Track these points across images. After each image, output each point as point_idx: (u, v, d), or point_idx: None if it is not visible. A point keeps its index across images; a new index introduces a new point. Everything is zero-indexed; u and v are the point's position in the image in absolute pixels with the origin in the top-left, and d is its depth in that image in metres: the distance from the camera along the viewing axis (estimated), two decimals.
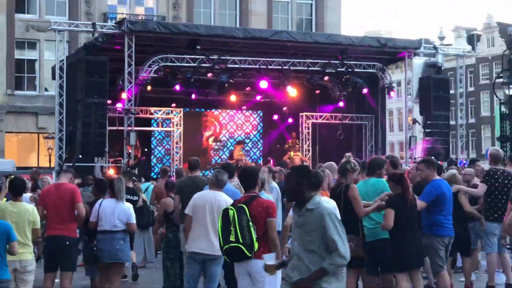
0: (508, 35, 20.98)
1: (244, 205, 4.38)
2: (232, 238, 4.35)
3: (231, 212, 4.40)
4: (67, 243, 6.07)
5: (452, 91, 17.62)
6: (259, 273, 4.26)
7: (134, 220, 6.06)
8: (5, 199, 6.74)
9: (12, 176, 7.89)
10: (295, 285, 3.36)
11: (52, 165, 15.81)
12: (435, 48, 15.74)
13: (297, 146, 15.64)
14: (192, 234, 5.23)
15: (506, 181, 6.46)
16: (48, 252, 6.26)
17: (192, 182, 6.47)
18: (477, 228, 6.70)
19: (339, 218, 3.68)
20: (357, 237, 5.55)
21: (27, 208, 5.61)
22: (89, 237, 6.28)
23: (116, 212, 5.95)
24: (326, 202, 4.13)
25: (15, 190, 5.68)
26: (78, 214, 6.08)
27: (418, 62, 20.74)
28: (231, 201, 4.85)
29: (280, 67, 14.00)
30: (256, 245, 4.33)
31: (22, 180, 6.14)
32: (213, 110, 17.68)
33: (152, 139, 17.12)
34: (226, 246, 4.40)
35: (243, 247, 4.30)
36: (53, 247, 6.18)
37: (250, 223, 4.34)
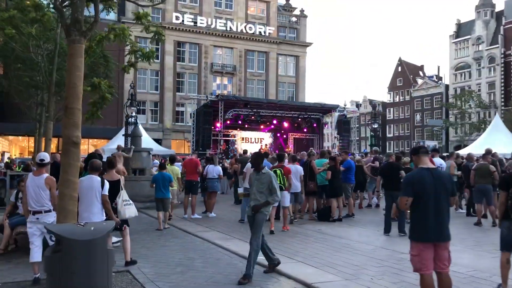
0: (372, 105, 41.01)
1: (280, 168, 9.94)
2: (281, 182, 9.39)
3: (279, 171, 9.75)
4: (194, 183, 12.53)
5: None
6: (284, 196, 9.94)
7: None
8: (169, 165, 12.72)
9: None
10: (252, 207, 6.35)
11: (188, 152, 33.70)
12: (344, 109, 35.05)
13: (288, 149, 34.03)
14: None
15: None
16: (186, 187, 12.67)
17: (245, 159, 13.53)
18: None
19: (276, 179, 6.68)
20: (313, 182, 11.63)
21: (175, 168, 12.41)
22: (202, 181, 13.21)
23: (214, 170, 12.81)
24: (271, 171, 6.80)
25: (171, 160, 12.78)
26: (199, 171, 12.68)
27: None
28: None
29: (281, 114, 32.58)
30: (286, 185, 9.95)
31: (175, 156, 13.97)
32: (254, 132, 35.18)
33: (229, 143, 33.50)
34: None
35: (283, 186, 9.70)
36: (188, 184, 12.55)
37: (284, 176, 9.82)
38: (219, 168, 13.15)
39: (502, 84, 58.23)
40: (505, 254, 5.72)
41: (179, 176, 12.48)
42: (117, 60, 22.72)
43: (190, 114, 33.44)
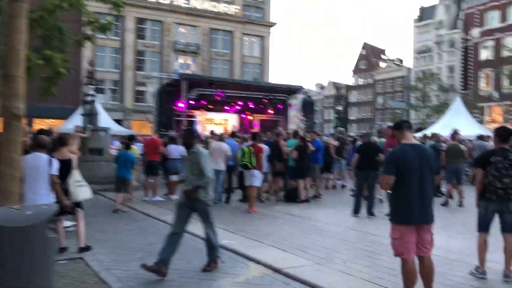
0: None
1: (251, 147, 10.16)
2: (246, 160, 9.98)
3: (246, 149, 10.14)
4: (154, 163, 11.90)
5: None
6: (252, 175, 10.08)
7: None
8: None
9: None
10: (185, 192, 5.55)
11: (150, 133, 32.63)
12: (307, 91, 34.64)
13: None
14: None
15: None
16: (146, 167, 12.04)
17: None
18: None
19: (209, 158, 5.73)
20: (281, 163, 11.35)
21: (135, 147, 11.88)
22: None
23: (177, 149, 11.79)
24: (203, 149, 5.81)
25: (129, 140, 11.39)
26: (160, 151, 11.97)
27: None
28: (229, 148, 10.68)
29: (246, 95, 31.91)
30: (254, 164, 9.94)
31: (133, 135, 13.00)
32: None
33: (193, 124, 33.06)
34: (242, 163, 10.02)
35: (249, 164, 10.03)
36: (148, 165, 11.96)
37: (253, 154, 9.93)
38: (182, 148, 12.46)
39: (462, 68, 59.63)
40: (483, 235, 5.51)
41: (138, 156, 11.92)
42: (73, 35, 21.37)
43: (151, 92, 32.33)
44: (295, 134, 12.10)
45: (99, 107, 26.23)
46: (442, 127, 25.71)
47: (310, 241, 7.25)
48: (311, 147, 11.62)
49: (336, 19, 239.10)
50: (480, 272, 5.43)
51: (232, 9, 50.04)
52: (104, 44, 44.39)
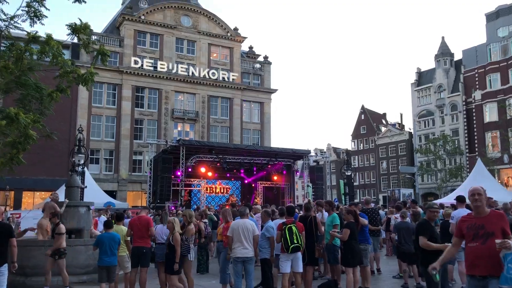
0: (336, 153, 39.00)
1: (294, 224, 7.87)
2: (295, 241, 7.67)
3: (294, 228, 7.84)
4: (144, 251, 8.73)
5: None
6: (299, 258, 7.93)
7: None
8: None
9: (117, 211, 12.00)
10: None
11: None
12: (316, 155, 32.73)
13: (257, 200, 31.03)
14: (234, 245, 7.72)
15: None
16: (134, 255, 8.76)
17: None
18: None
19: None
20: (318, 245, 8.80)
21: (123, 229, 8.89)
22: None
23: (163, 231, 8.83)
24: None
25: (117, 218, 9.28)
26: (150, 233, 8.79)
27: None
28: (253, 224, 7.87)
29: (249, 161, 29.77)
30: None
31: (122, 213, 9.98)
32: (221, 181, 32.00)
33: (192, 193, 30.06)
34: (292, 246, 7.64)
35: (301, 246, 7.84)
36: (136, 253, 8.74)
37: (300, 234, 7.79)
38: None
39: (466, 131, 58.28)
40: None
41: (127, 238, 9.04)
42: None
43: (148, 162, 30.08)
44: (330, 204, 9.50)
45: (88, 178, 23.91)
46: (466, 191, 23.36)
47: None
48: (365, 222, 9.12)
49: (334, 84, 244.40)
50: None
51: (231, 76, 49.31)
52: (100, 113, 42.99)
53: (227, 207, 19.69)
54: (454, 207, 11.88)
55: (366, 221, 9.19)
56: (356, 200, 53.54)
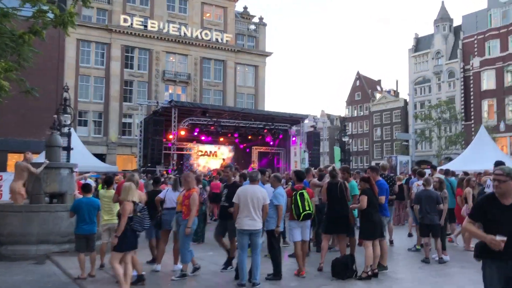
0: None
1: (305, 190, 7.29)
2: (310, 209, 7.20)
3: (306, 194, 7.31)
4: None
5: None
6: (308, 226, 7.50)
7: None
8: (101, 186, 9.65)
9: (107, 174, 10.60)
10: None
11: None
12: (314, 120, 31.64)
13: (252, 165, 30.03)
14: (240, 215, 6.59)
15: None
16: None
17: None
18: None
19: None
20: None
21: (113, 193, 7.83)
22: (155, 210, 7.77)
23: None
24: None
25: (106, 183, 8.21)
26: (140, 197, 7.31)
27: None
28: (265, 192, 6.73)
29: (244, 125, 28.49)
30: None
31: (111, 177, 8.60)
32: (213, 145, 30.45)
33: (184, 158, 28.69)
34: (304, 213, 7.13)
35: (312, 213, 7.33)
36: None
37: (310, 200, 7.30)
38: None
39: (462, 99, 57.40)
40: None
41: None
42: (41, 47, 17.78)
43: (138, 124, 28.74)
44: (346, 171, 8.41)
45: (75, 140, 22.63)
46: (470, 159, 22.57)
47: None
48: (382, 200, 8.10)
49: (330, 49, 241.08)
50: None
51: (225, 37, 47.36)
52: (88, 73, 41.20)
53: (213, 174, 18.48)
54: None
55: (383, 199, 8.09)
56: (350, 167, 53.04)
